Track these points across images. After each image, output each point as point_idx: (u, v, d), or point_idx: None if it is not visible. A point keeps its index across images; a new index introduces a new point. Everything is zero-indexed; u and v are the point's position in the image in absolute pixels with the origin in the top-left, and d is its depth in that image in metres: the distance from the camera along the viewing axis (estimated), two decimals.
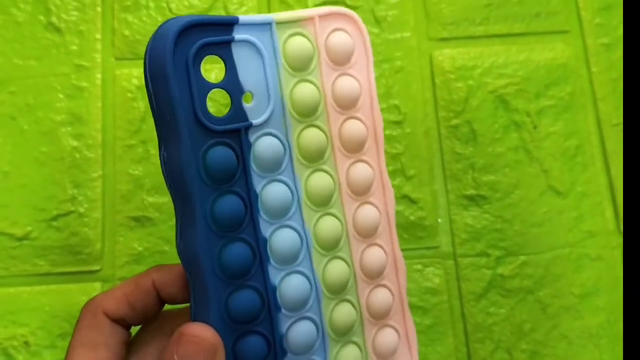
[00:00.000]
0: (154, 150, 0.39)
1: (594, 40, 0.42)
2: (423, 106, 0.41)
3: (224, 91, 0.21)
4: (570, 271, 0.38)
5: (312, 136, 0.23)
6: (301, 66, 0.23)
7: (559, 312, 0.38)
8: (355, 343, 0.24)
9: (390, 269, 0.25)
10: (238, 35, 0.21)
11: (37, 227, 0.38)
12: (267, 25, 0.22)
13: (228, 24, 0.21)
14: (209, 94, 0.21)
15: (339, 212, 0.24)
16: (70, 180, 0.39)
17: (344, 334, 0.24)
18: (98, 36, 0.41)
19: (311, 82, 0.23)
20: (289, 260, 0.22)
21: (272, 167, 0.22)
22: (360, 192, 0.24)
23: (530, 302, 0.38)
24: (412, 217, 0.39)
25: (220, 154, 0.21)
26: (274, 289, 0.22)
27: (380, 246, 0.25)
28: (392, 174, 0.39)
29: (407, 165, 0.40)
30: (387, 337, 0.25)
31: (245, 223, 0.22)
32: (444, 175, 0.40)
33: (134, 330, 0.24)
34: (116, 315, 0.22)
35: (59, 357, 0.36)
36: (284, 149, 0.22)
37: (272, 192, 0.22)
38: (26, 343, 0.36)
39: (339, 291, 0.23)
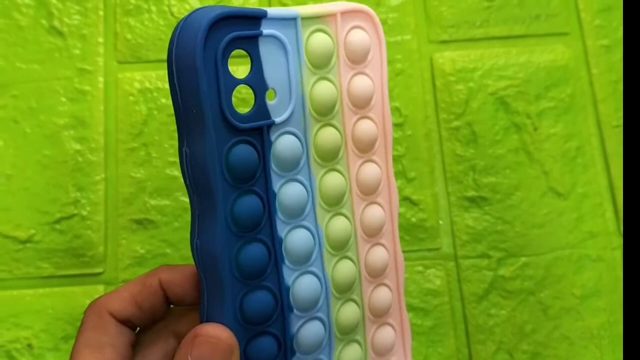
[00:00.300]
0: (155, 153, 0.39)
1: (594, 42, 0.42)
2: (424, 108, 0.41)
3: (247, 87, 0.20)
4: (571, 272, 0.38)
5: (328, 135, 0.22)
6: (322, 63, 0.22)
7: (560, 313, 0.38)
8: (357, 341, 0.24)
9: (391, 267, 0.25)
10: (266, 30, 0.20)
11: (40, 230, 0.38)
12: (292, 20, 0.21)
13: (257, 18, 0.20)
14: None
15: (349, 212, 0.23)
16: (73, 183, 0.39)
17: (349, 332, 0.24)
18: (100, 40, 0.41)
19: (330, 80, 0.22)
20: (303, 260, 0.22)
21: (291, 167, 0.22)
22: (369, 192, 0.24)
23: (532, 304, 0.38)
24: (413, 219, 0.39)
25: (244, 152, 0.20)
26: (288, 289, 0.22)
27: (384, 246, 0.25)
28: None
29: (408, 167, 0.40)
30: (385, 334, 0.25)
31: (263, 223, 0.21)
32: (445, 177, 0.40)
33: None
34: (122, 316, 0.22)
35: (63, 359, 0.36)
36: (302, 148, 0.22)
37: (290, 192, 0.22)
38: (29, 346, 0.36)
39: (346, 290, 0.23)
